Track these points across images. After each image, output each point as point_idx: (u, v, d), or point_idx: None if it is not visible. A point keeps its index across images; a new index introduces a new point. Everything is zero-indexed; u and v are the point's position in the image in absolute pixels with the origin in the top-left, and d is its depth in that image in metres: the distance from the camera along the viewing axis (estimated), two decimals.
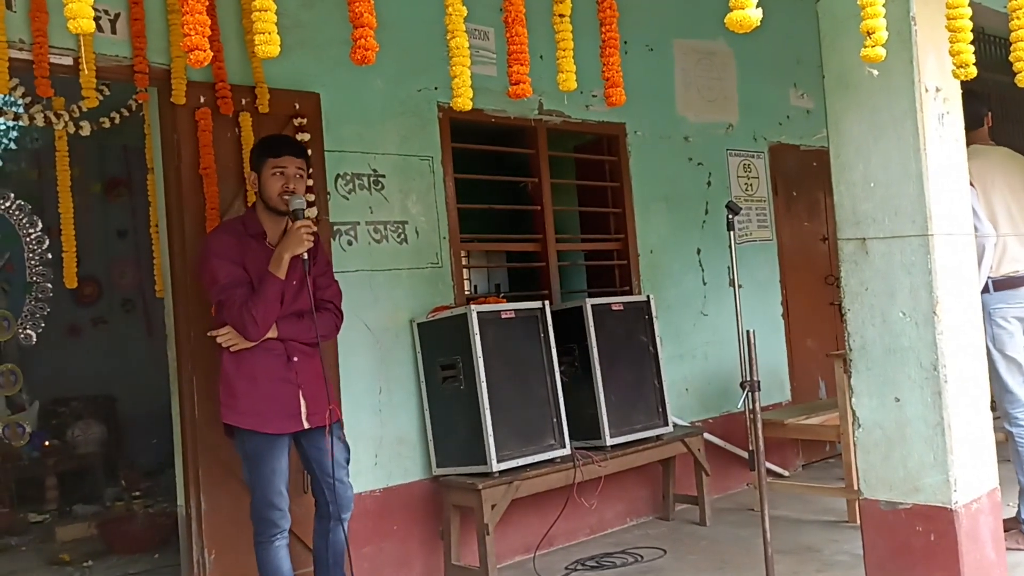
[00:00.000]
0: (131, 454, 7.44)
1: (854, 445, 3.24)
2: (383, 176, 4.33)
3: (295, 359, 3.23)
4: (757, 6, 1.69)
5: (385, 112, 4.37)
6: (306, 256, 3.16)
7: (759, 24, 1.68)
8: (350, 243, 4.17)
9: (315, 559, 3.40)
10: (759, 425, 3.36)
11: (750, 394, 3.34)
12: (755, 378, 3.34)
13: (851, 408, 3.23)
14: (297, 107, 3.95)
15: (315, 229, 3.20)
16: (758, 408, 3.37)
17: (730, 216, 3.48)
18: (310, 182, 3.89)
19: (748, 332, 3.36)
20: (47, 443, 6.67)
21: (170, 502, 5.88)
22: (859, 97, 3.09)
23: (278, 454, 3.19)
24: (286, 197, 3.20)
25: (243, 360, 3.18)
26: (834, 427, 4.91)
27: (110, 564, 5.11)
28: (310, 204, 3.86)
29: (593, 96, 5.15)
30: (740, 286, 3.58)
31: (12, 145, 6.43)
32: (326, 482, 3.29)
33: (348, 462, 3.41)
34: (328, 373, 3.33)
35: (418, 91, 4.49)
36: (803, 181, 6.57)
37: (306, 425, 3.23)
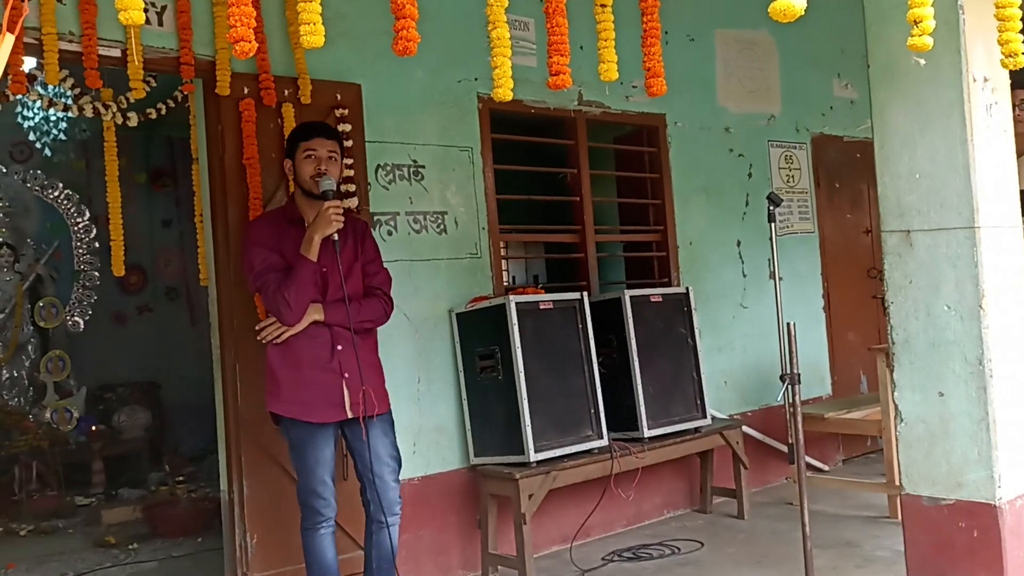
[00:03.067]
0: (175, 440, 7.58)
1: (896, 440, 3.21)
2: (423, 167, 4.36)
3: (339, 347, 3.17)
4: None
5: (425, 103, 4.39)
6: (336, 237, 3.12)
7: (803, 13, 1.67)
8: (390, 233, 4.20)
9: (365, 562, 3.33)
10: (799, 419, 3.33)
11: (790, 387, 3.31)
12: (795, 371, 3.31)
13: (894, 402, 3.19)
14: (338, 98, 3.99)
15: (343, 210, 3.16)
16: (798, 402, 3.34)
17: (771, 208, 3.44)
18: (349, 168, 3.93)
19: (789, 325, 3.33)
20: (94, 428, 6.83)
21: (213, 487, 6.00)
22: (905, 87, 3.04)
23: (322, 443, 3.16)
24: (317, 179, 3.19)
25: (288, 349, 3.17)
26: (875, 422, 4.86)
27: (155, 547, 5.22)
28: (350, 194, 3.90)
29: (633, 87, 5.13)
30: (780, 278, 3.54)
31: (61, 136, 6.56)
32: (367, 477, 3.21)
33: (399, 463, 3.31)
34: (381, 369, 3.32)
35: (458, 82, 4.51)
36: (846, 173, 6.49)
37: (349, 414, 3.16)
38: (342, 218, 3.13)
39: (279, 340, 3.18)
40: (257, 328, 3.26)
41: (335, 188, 3.21)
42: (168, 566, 4.83)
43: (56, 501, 6.20)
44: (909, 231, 3.07)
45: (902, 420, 3.14)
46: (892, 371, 3.20)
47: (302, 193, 3.28)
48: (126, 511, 5.92)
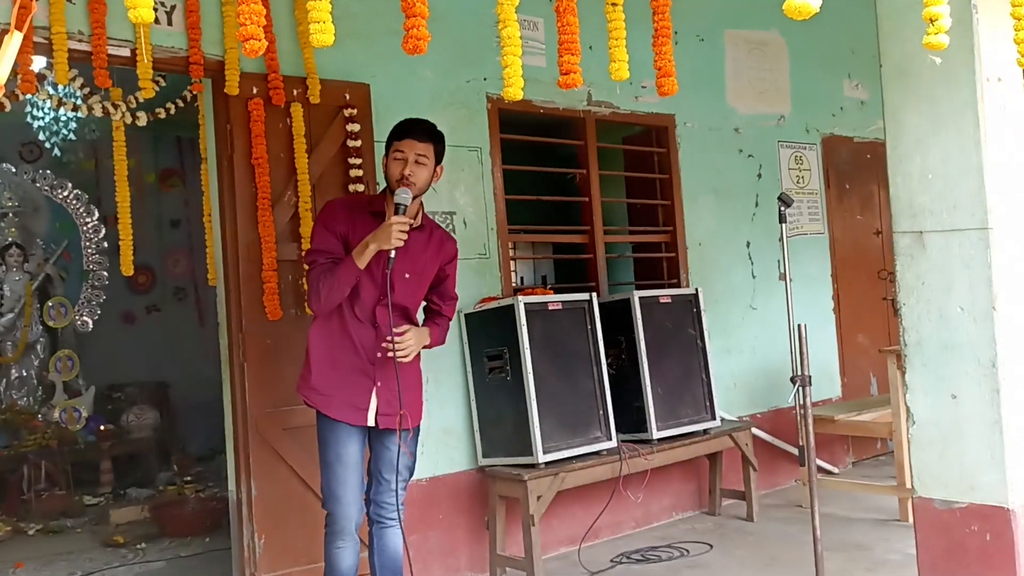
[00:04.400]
0: (183, 439, 7.59)
1: (908, 442, 3.18)
2: None
3: (379, 355, 3.03)
4: None
5: (434, 103, 4.38)
6: (392, 255, 2.92)
7: (817, 12, 1.65)
8: None
9: (370, 565, 3.19)
10: (810, 421, 3.32)
11: (801, 389, 3.29)
12: (806, 373, 3.29)
13: (905, 405, 3.16)
14: (347, 97, 3.98)
15: (407, 229, 2.94)
16: (809, 403, 3.32)
17: (782, 208, 3.42)
18: (358, 168, 3.93)
19: (799, 326, 3.31)
20: (102, 427, 6.84)
21: (220, 487, 6.01)
22: (918, 87, 3.02)
23: (344, 440, 3.02)
24: (399, 183, 3.02)
25: (331, 338, 3.05)
26: (886, 424, 4.83)
27: (163, 547, 5.22)
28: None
29: (643, 87, 5.11)
30: (791, 280, 3.52)
31: (71, 136, 6.56)
32: (375, 478, 3.12)
33: (412, 472, 3.19)
34: (419, 381, 3.20)
35: (467, 82, 4.50)
36: (856, 174, 6.46)
37: (371, 423, 3.04)
38: (404, 237, 2.93)
39: (407, 360, 3.05)
40: (389, 341, 3.00)
41: (408, 204, 2.99)
42: (176, 566, 4.83)
43: (65, 500, 6.21)
44: (922, 232, 3.05)
45: (914, 422, 3.11)
46: (904, 373, 3.17)
47: (390, 191, 3.11)
48: (134, 511, 5.92)
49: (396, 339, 2.99)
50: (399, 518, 3.11)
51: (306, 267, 3.18)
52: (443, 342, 3.30)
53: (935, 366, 3.04)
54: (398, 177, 3.03)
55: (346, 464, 3.02)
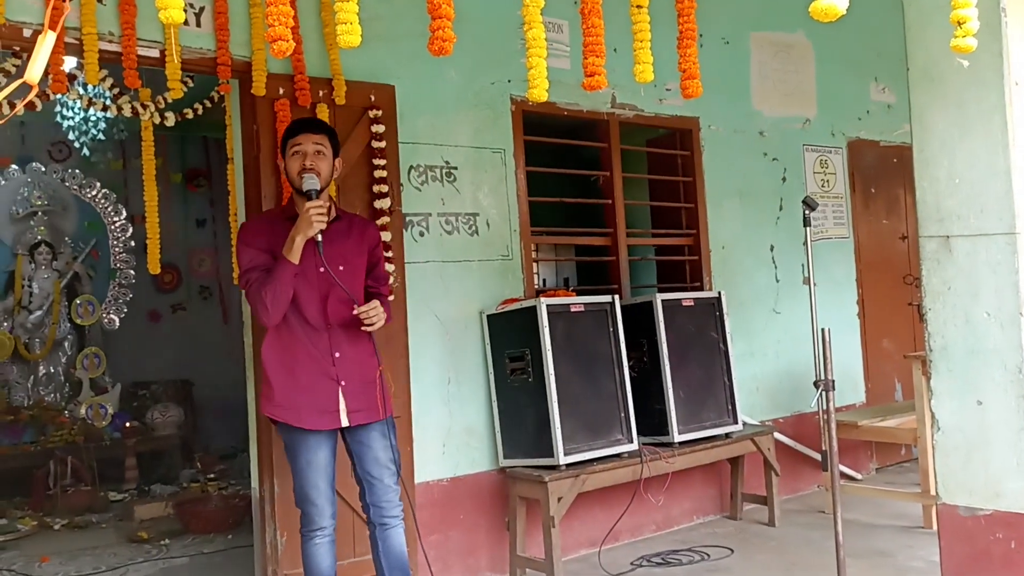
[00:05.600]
0: (206, 438, 7.67)
1: (932, 449, 3.15)
2: (455, 168, 4.36)
3: (337, 354, 3.07)
4: None
5: (458, 104, 4.40)
6: (319, 239, 2.96)
7: (844, 14, 1.65)
8: (422, 234, 4.21)
9: (376, 570, 3.20)
10: (833, 426, 3.30)
11: (824, 394, 3.27)
12: (830, 378, 3.27)
13: (931, 411, 3.13)
14: (373, 99, 4.00)
15: (325, 210, 2.98)
16: (832, 408, 3.30)
17: (807, 212, 3.41)
18: (382, 169, 3.95)
19: (823, 331, 3.29)
20: (128, 424, 6.93)
21: (243, 485, 6.06)
22: (945, 91, 2.99)
23: (314, 446, 3.05)
24: (302, 176, 3.04)
25: (284, 351, 3.06)
26: (911, 430, 4.79)
27: (186, 543, 5.26)
28: (382, 195, 3.91)
29: (667, 90, 5.11)
30: (815, 284, 3.50)
31: (100, 136, 6.65)
32: (367, 481, 3.14)
33: (398, 466, 3.18)
34: (386, 367, 3.17)
35: (491, 84, 4.51)
36: (882, 177, 6.41)
37: (345, 423, 3.07)
38: (324, 219, 2.96)
39: (372, 328, 3.06)
40: (359, 312, 3.03)
41: (319, 188, 3.03)
42: (199, 562, 4.87)
43: (90, 496, 6.29)
44: (948, 236, 3.02)
45: (939, 429, 3.09)
46: (929, 379, 3.14)
47: (295, 192, 3.13)
48: (158, 507, 5.98)
49: (365, 309, 3.00)
50: (401, 516, 3.15)
51: (243, 290, 3.14)
52: (391, 319, 3.28)
53: (961, 372, 3.01)
54: (299, 170, 3.05)
55: (317, 468, 3.05)
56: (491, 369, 4.33)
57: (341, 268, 3.08)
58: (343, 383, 3.07)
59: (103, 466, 6.62)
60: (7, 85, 3.15)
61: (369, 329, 3.07)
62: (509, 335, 4.25)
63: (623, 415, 4.30)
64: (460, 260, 4.33)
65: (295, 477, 3.11)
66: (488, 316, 4.34)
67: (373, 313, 3.03)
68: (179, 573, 4.69)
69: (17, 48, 3.34)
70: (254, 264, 3.04)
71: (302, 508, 3.10)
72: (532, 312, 4.11)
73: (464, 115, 4.42)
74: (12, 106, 2.85)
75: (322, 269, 3.03)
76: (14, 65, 3.43)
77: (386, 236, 3.93)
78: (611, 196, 5.02)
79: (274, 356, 3.08)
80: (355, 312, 3.03)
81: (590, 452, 4.14)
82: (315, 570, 3.11)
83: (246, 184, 3.86)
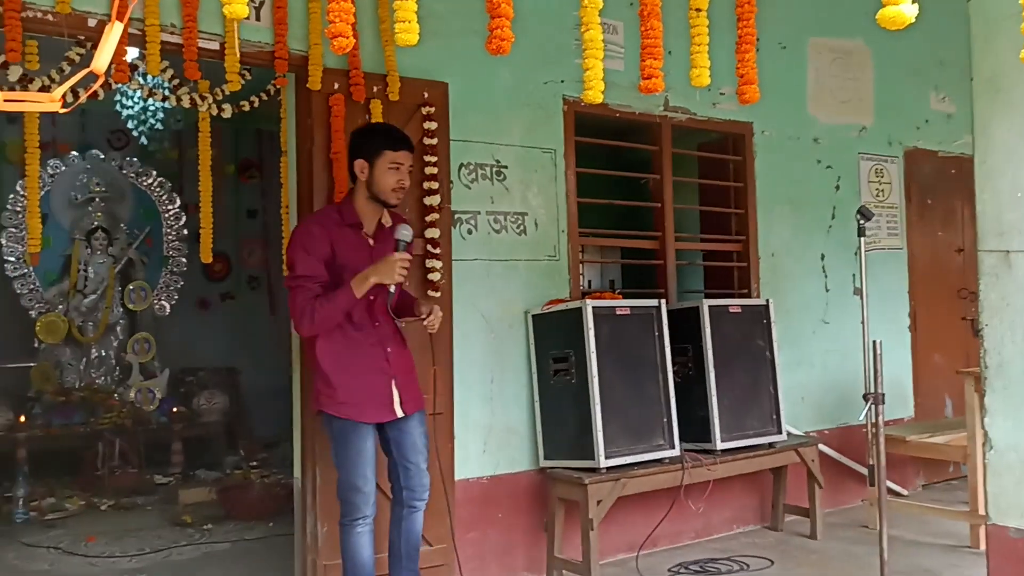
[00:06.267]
0: (250, 425, 7.76)
1: (984, 467, 3.09)
2: (505, 167, 4.37)
3: (389, 349, 3.24)
4: (912, 2, 1.61)
5: (511, 103, 4.40)
6: (392, 290, 3.14)
7: (913, 21, 1.62)
8: (470, 232, 4.22)
9: (390, 549, 3.38)
10: (882, 440, 3.24)
11: (874, 407, 3.21)
12: (880, 391, 3.21)
13: (983, 428, 3.07)
14: (426, 96, 4.02)
15: (408, 264, 3.14)
16: (882, 422, 3.24)
17: (862, 222, 3.36)
18: (433, 166, 4.00)
19: (875, 343, 3.23)
20: (175, 409, 7.04)
21: (285, 474, 6.13)
22: (1012, 101, 2.92)
23: (364, 437, 3.19)
24: (398, 225, 3.21)
25: (343, 351, 3.17)
26: (960, 447, 4.69)
27: (228, 529, 5.34)
28: (432, 192, 3.93)
29: (721, 94, 5.06)
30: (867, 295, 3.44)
31: (158, 126, 6.77)
32: (403, 466, 3.29)
33: (427, 450, 3.36)
34: (430, 364, 3.41)
35: (544, 83, 4.50)
36: (939, 189, 6.27)
37: (400, 414, 3.24)
38: (405, 274, 3.13)
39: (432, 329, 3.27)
40: (427, 319, 3.23)
41: (410, 241, 3.19)
42: (241, 548, 4.94)
43: (136, 478, 6.41)
44: (1008, 251, 2.95)
45: (991, 447, 3.02)
46: (983, 396, 3.08)
47: (368, 198, 3.26)
48: (202, 492, 6.07)
49: (432, 320, 3.22)
50: (426, 500, 3.34)
51: (289, 287, 3.20)
52: None
53: (1017, 390, 2.94)
54: (394, 187, 3.21)
55: (366, 458, 3.19)
56: (534, 369, 4.33)
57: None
58: (396, 376, 3.24)
59: (150, 449, 6.75)
60: (70, 73, 3.23)
61: (431, 331, 3.28)
62: (554, 336, 4.24)
63: (666, 420, 4.26)
64: (507, 259, 4.34)
65: (343, 468, 3.20)
66: (533, 316, 4.33)
67: (436, 318, 3.25)
68: (221, 558, 4.76)
69: (81, 37, 3.42)
70: (309, 273, 3.13)
71: (347, 497, 3.20)
72: (578, 313, 4.10)
73: (516, 114, 4.42)
74: (75, 94, 2.91)
75: (371, 298, 3.18)
76: (78, 54, 3.51)
77: (434, 233, 3.96)
78: (661, 199, 4.98)
79: (333, 357, 3.18)
80: (424, 321, 3.24)
81: (631, 456, 4.11)
82: (357, 559, 3.21)
83: (299, 177, 3.90)
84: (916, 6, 1.61)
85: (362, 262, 3.16)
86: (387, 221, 3.34)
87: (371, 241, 3.28)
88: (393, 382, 3.23)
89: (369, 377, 3.20)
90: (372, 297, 3.18)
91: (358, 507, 3.18)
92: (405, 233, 3.15)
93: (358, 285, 3.08)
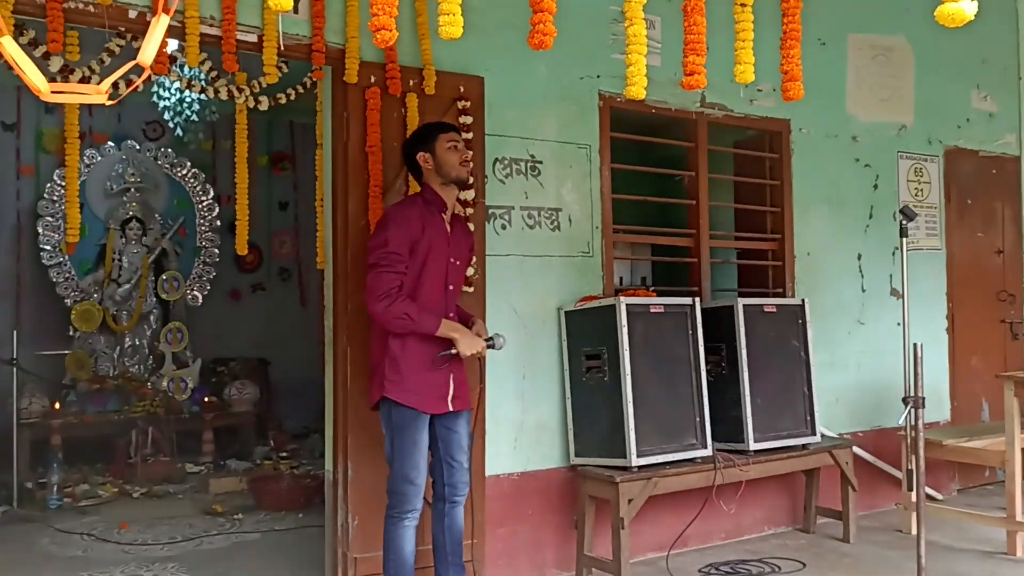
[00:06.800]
0: (279, 417, 7.82)
1: (1022, 473, 3.02)
2: (540, 162, 4.34)
3: (452, 351, 3.35)
4: None
5: (546, 98, 4.37)
6: (454, 351, 3.31)
7: (972, 19, 1.57)
8: (504, 227, 4.20)
9: (434, 544, 3.49)
10: (921, 444, 3.19)
11: (913, 411, 3.16)
12: (920, 394, 3.16)
13: (1022, 434, 3.00)
14: (462, 90, 4.01)
15: (484, 355, 3.48)
16: (921, 426, 3.19)
17: (904, 222, 3.30)
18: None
19: (915, 346, 3.18)
20: (206, 399, 7.10)
21: (314, 465, 6.17)
22: None
23: (421, 428, 3.31)
24: (466, 171, 3.43)
25: (413, 344, 3.29)
26: (999, 452, 4.60)
27: (258, 519, 5.38)
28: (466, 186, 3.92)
29: (759, 90, 5.00)
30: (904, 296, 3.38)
31: (193, 117, 6.82)
32: (447, 463, 3.42)
33: (471, 450, 3.52)
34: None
35: (580, 79, 4.47)
36: (980, 189, 6.17)
37: (451, 408, 3.39)
38: (478, 356, 3.43)
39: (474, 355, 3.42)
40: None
41: (499, 347, 3.47)
42: (271, 538, 4.97)
43: (169, 467, 6.47)
44: None
45: None
46: (1022, 401, 3.01)
47: (440, 183, 3.43)
48: (233, 481, 6.13)
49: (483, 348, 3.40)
50: (466, 495, 3.48)
51: (375, 262, 3.27)
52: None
53: None
54: (460, 162, 3.41)
55: (421, 450, 3.31)
56: (566, 366, 4.30)
57: (458, 263, 3.50)
58: (454, 373, 3.40)
59: (181, 438, 6.82)
60: (111, 64, 3.25)
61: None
62: (586, 333, 4.22)
63: (698, 420, 4.23)
64: (540, 255, 4.31)
65: (398, 458, 3.29)
66: (566, 312, 4.31)
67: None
68: (251, 548, 4.79)
69: (122, 28, 3.44)
70: (397, 251, 3.25)
71: (398, 489, 3.28)
72: (611, 311, 4.07)
73: (551, 109, 4.39)
74: (116, 86, 2.92)
75: (452, 259, 3.43)
76: (118, 45, 3.52)
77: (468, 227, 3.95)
78: (696, 196, 4.93)
79: (402, 349, 3.30)
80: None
81: (663, 455, 4.08)
82: (400, 552, 3.28)
83: (334, 170, 3.90)
84: (976, 3, 1.57)
85: (441, 247, 3.38)
86: (460, 211, 3.66)
87: (448, 227, 3.46)
88: (451, 377, 3.38)
89: (433, 371, 3.33)
90: (451, 287, 3.43)
91: (408, 499, 3.26)
92: (501, 341, 3.45)
93: (441, 328, 3.29)
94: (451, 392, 3.38)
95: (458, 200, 3.62)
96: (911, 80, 5.79)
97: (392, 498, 3.31)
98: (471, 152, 3.67)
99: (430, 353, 3.32)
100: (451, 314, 3.44)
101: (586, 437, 4.22)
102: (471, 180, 3.53)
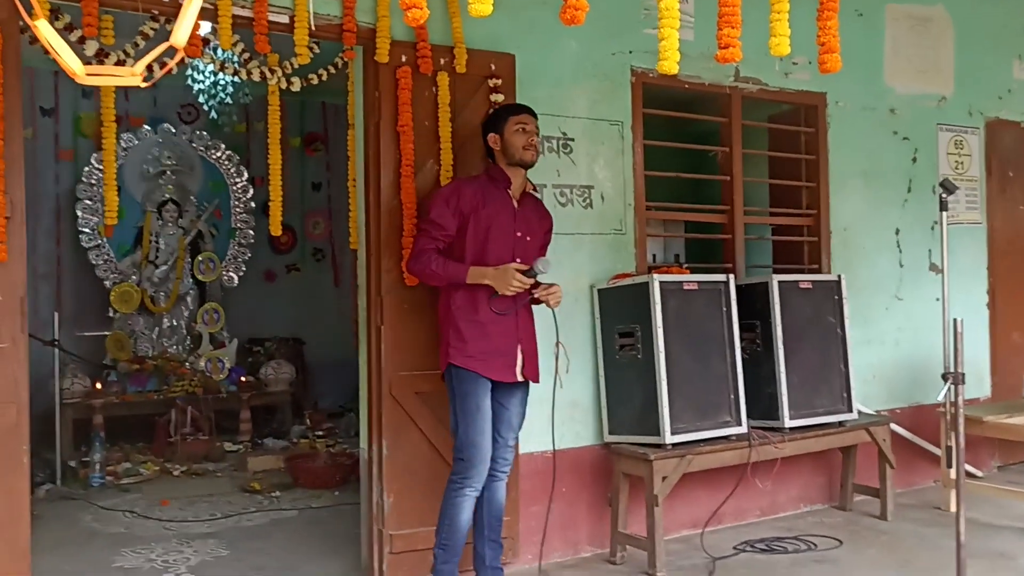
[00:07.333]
0: (315, 395, 7.91)
1: None
2: (572, 140, 4.32)
3: (519, 316, 3.45)
4: None
5: (577, 75, 4.34)
6: (497, 293, 3.35)
7: None
8: None
9: (474, 518, 3.49)
10: (961, 421, 3.14)
11: (953, 387, 3.12)
12: (960, 371, 3.12)
13: None
14: (493, 68, 3.99)
15: (526, 289, 3.39)
16: (961, 403, 3.15)
17: (944, 195, 3.24)
18: None
19: (955, 321, 3.13)
20: (243, 379, 7.19)
21: (349, 444, 6.24)
22: None
23: (484, 391, 3.38)
24: (530, 155, 3.48)
25: (476, 309, 3.38)
26: None
27: (295, 496, 5.45)
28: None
29: (794, 63, 4.93)
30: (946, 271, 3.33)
31: (227, 100, 6.86)
32: (494, 438, 3.43)
33: (519, 429, 3.59)
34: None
35: (612, 55, 4.43)
36: (1022, 161, 6.03)
37: (519, 378, 3.47)
38: (516, 291, 3.36)
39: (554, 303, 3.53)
40: (548, 294, 3.48)
41: (540, 273, 3.37)
42: (307, 516, 5.03)
43: (207, 445, 6.57)
44: None
45: None
46: None
47: (507, 164, 3.50)
48: (270, 460, 6.22)
49: (549, 291, 3.47)
50: (509, 471, 3.54)
51: (422, 229, 3.49)
52: None
53: None
54: (524, 145, 3.46)
55: (484, 415, 3.37)
56: (599, 344, 4.30)
57: (528, 239, 3.53)
58: (522, 341, 3.48)
59: (220, 417, 6.91)
60: (145, 47, 3.27)
61: (553, 305, 3.53)
62: (620, 310, 4.20)
63: (733, 397, 4.20)
64: (573, 233, 4.30)
65: (463, 423, 3.37)
66: (599, 290, 4.30)
67: (557, 293, 3.51)
68: (288, 525, 4.86)
69: (155, 12, 3.46)
70: (440, 222, 3.41)
71: (465, 455, 3.35)
72: (644, 288, 4.05)
73: (583, 86, 4.36)
74: (150, 68, 2.95)
75: (519, 233, 3.48)
76: (152, 28, 3.55)
77: None
78: (730, 172, 4.88)
79: (467, 313, 3.40)
80: (537, 294, 3.48)
81: (697, 433, 4.07)
82: (455, 520, 3.36)
83: (366, 150, 3.90)
84: None
85: (506, 221, 3.46)
86: (531, 189, 3.64)
87: (515, 204, 3.52)
88: (519, 346, 3.45)
89: (499, 337, 3.40)
90: (519, 259, 3.42)
91: (472, 464, 3.33)
92: (543, 265, 3.36)
93: (474, 276, 3.34)
94: (520, 362, 3.45)
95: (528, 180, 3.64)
96: (951, 50, 5.67)
97: (456, 464, 3.38)
98: (539, 135, 3.69)
99: (489, 317, 3.38)
100: None
101: (619, 415, 4.22)
102: (535, 163, 3.53)
